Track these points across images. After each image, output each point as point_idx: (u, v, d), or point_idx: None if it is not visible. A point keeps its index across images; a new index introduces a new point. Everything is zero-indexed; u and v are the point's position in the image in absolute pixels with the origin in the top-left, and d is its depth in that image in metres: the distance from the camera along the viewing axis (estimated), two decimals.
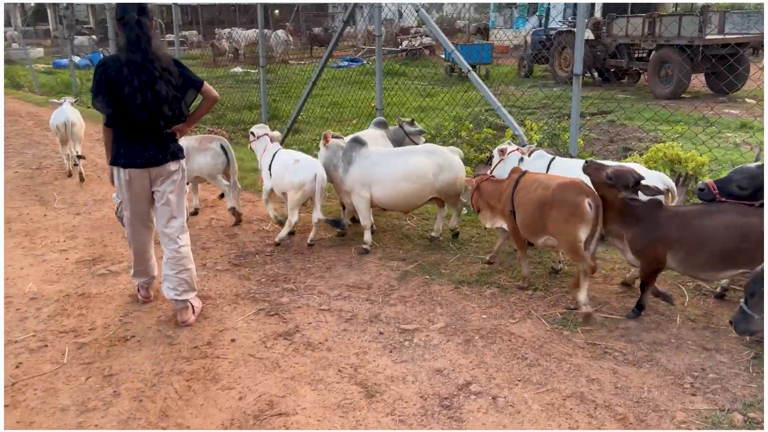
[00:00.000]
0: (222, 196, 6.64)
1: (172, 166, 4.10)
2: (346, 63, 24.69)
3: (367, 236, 5.44)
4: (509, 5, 29.66)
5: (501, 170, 5.17)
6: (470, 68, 7.13)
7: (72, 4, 18.42)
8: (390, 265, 5.12)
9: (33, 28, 43.94)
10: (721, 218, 3.64)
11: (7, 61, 22.97)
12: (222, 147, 6.08)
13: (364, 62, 24.49)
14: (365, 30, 32.91)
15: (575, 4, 20.43)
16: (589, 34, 16.31)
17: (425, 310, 4.32)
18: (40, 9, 49.22)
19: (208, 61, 26.15)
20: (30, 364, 3.70)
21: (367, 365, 3.64)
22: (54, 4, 41.20)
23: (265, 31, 31.96)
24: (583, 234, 3.94)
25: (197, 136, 6.40)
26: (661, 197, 3.92)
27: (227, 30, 32.62)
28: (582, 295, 4.02)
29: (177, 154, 4.14)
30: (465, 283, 4.72)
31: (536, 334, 3.96)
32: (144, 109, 3.82)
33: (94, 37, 35.92)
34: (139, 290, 4.54)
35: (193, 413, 3.22)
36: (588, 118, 11.94)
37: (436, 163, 5.27)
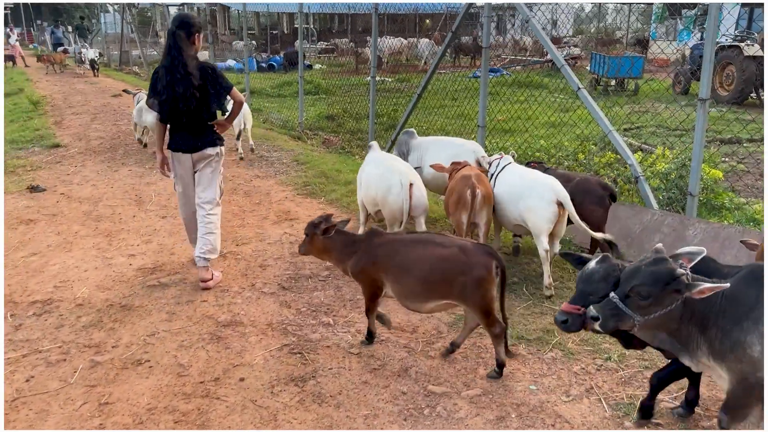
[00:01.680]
0: None
1: (209, 151, 4.89)
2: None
3: None
4: (673, 16, 27.15)
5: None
6: (580, 85, 6.27)
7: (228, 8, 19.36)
8: None
9: (205, 32, 47.81)
10: (423, 248, 3.55)
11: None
12: None
13: (504, 73, 23.58)
14: (512, 39, 31.88)
15: (750, 17, 18.13)
16: (758, 50, 14.29)
17: (465, 368, 3.71)
18: (213, 14, 53.47)
19: (351, 69, 26.59)
20: (41, 379, 3.61)
21: None
22: (224, 11, 44.55)
23: (412, 39, 32.03)
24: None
25: None
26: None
27: (370, 38, 33.00)
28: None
29: (215, 142, 4.92)
30: (524, 340, 4.02)
31: (589, 421, 3.20)
32: (168, 104, 4.65)
33: (253, 42, 38.05)
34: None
35: None
36: (744, 145, 10.34)
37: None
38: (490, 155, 5.88)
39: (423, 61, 26.69)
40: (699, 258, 2.65)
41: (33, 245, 5.82)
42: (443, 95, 14.08)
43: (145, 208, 7.05)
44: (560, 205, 4.66)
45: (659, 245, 2.74)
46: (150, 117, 8.86)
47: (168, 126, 4.89)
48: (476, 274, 3.38)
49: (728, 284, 2.49)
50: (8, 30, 26.39)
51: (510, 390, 3.48)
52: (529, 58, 29.58)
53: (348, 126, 12.71)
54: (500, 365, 3.57)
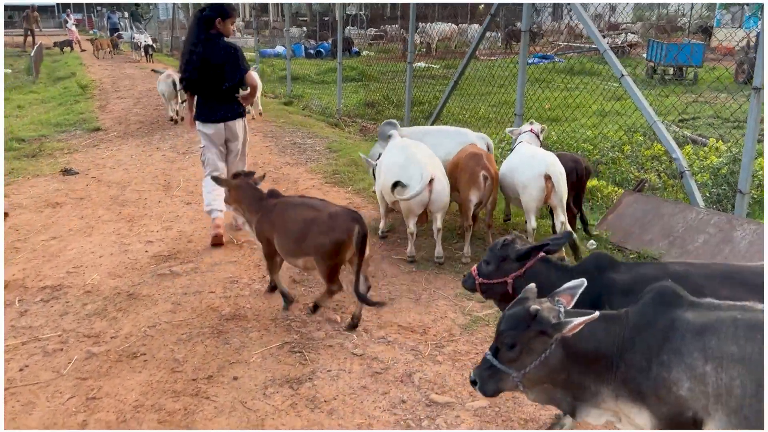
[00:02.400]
0: None
1: (238, 122, 5.45)
2: (535, 60, 23.09)
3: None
4: (739, 2, 25.68)
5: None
6: (624, 72, 5.83)
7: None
8: (463, 307, 4.25)
9: (255, 19, 47.98)
10: (301, 211, 3.91)
11: None
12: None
13: (555, 59, 22.79)
14: (567, 25, 30.82)
15: None
16: None
17: None
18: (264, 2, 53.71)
19: (398, 56, 26.18)
20: (34, 369, 3.53)
21: None
22: None
23: (463, 25, 31.37)
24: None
25: None
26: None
27: (420, 24, 32.61)
28: None
29: (241, 113, 5.47)
30: None
31: None
32: (195, 78, 5.20)
33: (304, 28, 37.95)
34: (212, 225, 5.48)
35: None
36: None
37: None
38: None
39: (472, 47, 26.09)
40: (580, 292, 2.25)
41: (55, 229, 5.81)
42: (489, 82, 13.58)
43: (172, 194, 6.99)
44: (549, 179, 4.72)
45: (531, 285, 2.31)
46: (162, 86, 10.94)
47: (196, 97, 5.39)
48: (336, 237, 3.68)
49: (597, 314, 2.08)
50: (66, 15, 27.07)
51: (520, 404, 3.19)
52: (583, 45, 28.54)
53: (387, 113, 12.44)
54: (315, 307, 4.06)
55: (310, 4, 48.94)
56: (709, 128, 10.72)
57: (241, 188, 4.26)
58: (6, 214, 6.15)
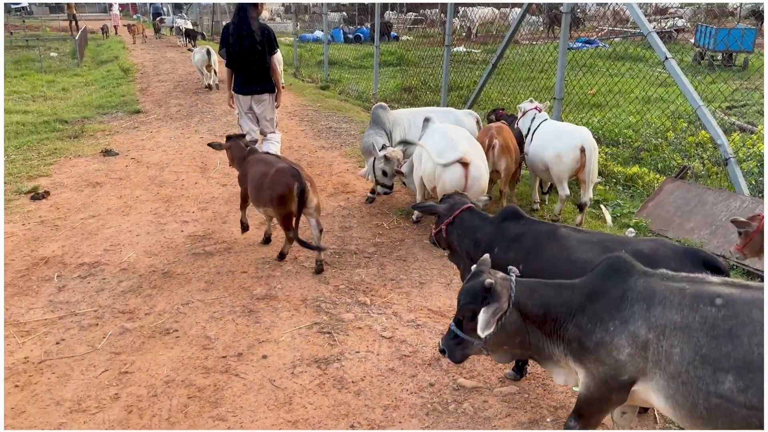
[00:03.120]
0: None
1: (266, 96, 6.10)
2: (579, 45, 22.58)
3: None
4: None
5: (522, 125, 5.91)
6: (669, 55, 5.64)
7: None
8: None
9: (297, 4, 48.07)
10: (261, 166, 4.58)
11: None
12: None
13: (599, 44, 22.22)
14: (612, 9, 30.06)
15: None
16: None
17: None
18: None
19: (438, 41, 25.88)
20: (70, 343, 3.61)
21: (389, 426, 2.87)
22: None
23: (504, 9, 30.82)
24: None
25: None
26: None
27: (461, 8, 32.21)
28: None
29: (270, 88, 6.10)
30: None
31: (632, 427, 2.81)
32: (235, 55, 5.87)
33: (344, 13, 37.80)
34: None
35: None
36: None
37: None
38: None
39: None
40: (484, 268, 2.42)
41: (94, 208, 5.93)
42: (530, 67, 13.36)
43: (208, 176, 7.06)
44: (583, 151, 5.06)
45: (485, 256, 2.49)
46: (197, 57, 12.82)
47: (233, 72, 6.04)
48: (278, 190, 4.29)
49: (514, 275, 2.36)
50: (111, 1, 27.61)
51: (550, 391, 3.13)
52: (628, 30, 27.81)
53: (424, 98, 12.32)
54: (282, 255, 4.74)
55: None
56: (758, 115, 10.33)
57: (232, 148, 5.07)
58: (47, 193, 6.31)
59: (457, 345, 2.41)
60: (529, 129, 5.71)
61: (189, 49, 13.07)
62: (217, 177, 7.01)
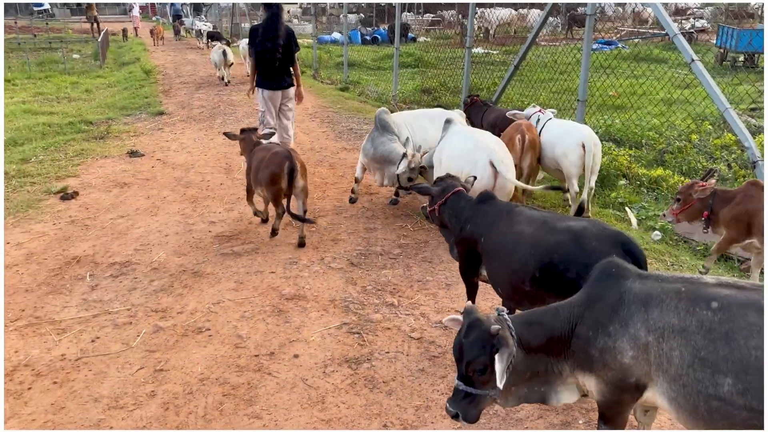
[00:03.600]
0: None
1: (291, 91, 6.70)
2: (597, 46, 22.42)
3: None
4: None
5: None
6: (695, 57, 5.62)
7: None
8: None
9: (314, 6, 48.24)
10: (260, 152, 5.16)
11: None
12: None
13: (619, 45, 22.08)
14: (632, 11, 29.86)
15: None
16: None
17: None
18: None
19: (456, 42, 25.84)
20: (105, 341, 3.69)
21: (421, 426, 2.91)
22: None
23: (522, 10, 30.68)
24: None
25: None
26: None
27: (479, 9, 32.07)
28: None
29: (292, 83, 6.70)
30: None
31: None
32: (267, 51, 6.35)
33: (361, 15, 37.87)
34: None
35: None
36: None
37: None
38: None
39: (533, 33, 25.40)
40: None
41: (123, 208, 6.03)
42: (551, 68, 13.34)
43: (233, 177, 7.14)
44: (584, 148, 5.40)
45: (468, 303, 2.46)
46: (214, 55, 14.53)
47: (258, 69, 6.53)
48: (271, 169, 4.85)
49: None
50: (132, 2, 27.94)
51: None
52: (648, 30, 27.61)
53: (443, 100, 12.33)
54: (274, 231, 5.19)
55: None
56: None
57: (245, 140, 5.49)
58: (76, 193, 6.42)
59: (470, 404, 2.30)
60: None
61: (208, 46, 13.40)
62: (241, 178, 7.07)
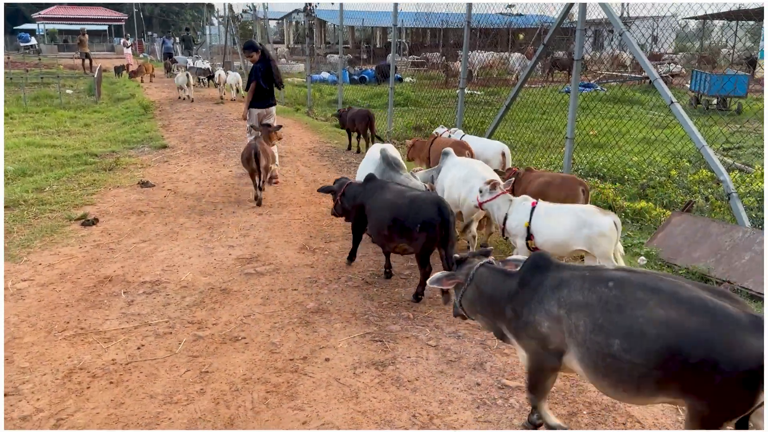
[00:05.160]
0: None
1: (273, 110, 8.93)
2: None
3: None
4: None
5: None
6: (674, 99, 6.22)
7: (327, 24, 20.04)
8: None
9: (301, 45, 49.33)
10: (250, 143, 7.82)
11: None
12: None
13: (598, 88, 23.07)
14: (611, 55, 31.09)
15: None
16: None
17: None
18: (311, 29, 55.30)
19: (440, 83, 26.74)
20: (150, 348, 4.04)
21: (446, 417, 3.30)
22: (311, 27, 45.99)
23: (504, 54, 31.78)
24: None
25: None
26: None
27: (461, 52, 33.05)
28: None
29: (273, 104, 8.95)
30: None
31: (661, 423, 3.25)
32: (266, 82, 8.63)
33: (349, 56, 38.88)
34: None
35: (255, 427, 3.22)
36: None
37: None
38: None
39: (514, 75, 26.40)
40: (521, 262, 3.08)
41: (143, 233, 6.40)
42: (532, 109, 14.04)
43: (243, 206, 7.54)
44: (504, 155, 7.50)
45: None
46: (179, 79, 19.01)
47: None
48: (245, 155, 7.49)
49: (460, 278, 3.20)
50: (124, 39, 28.52)
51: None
52: (625, 74, 28.80)
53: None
54: (257, 199, 7.61)
55: (352, 32, 50.22)
56: (753, 157, 10.95)
57: (261, 131, 8.06)
58: (96, 220, 6.78)
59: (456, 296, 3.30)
60: None
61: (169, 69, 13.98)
62: (252, 207, 7.50)
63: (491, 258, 3.26)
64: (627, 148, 10.74)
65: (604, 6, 6.85)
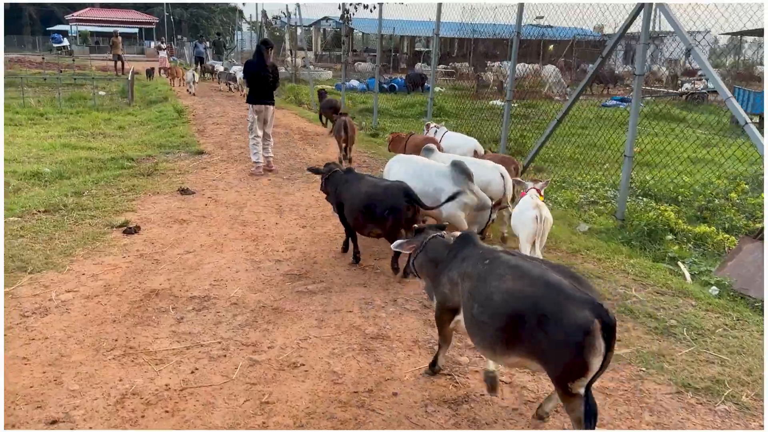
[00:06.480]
0: None
1: (271, 107, 9.74)
2: (614, 102, 22.94)
3: None
4: None
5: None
6: (748, 120, 5.87)
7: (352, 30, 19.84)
8: None
9: (328, 53, 49.33)
10: None
11: (298, 81, 25.92)
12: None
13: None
14: (648, 69, 30.55)
15: None
16: None
17: (628, 412, 3.50)
18: (337, 36, 55.30)
19: (471, 93, 26.40)
20: (204, 372, 3.79)
21: None
22: (348, 33, 45.86)
23: (535, 66, 31.39)
24: None
25: None
26: None
27: (497, 63, 32.81)
28: None
29: (274, 102, 9.80)
30: (691, 389, 3.75)
31: (663, 423, 2.91)
32: (260, 79, 9.41)
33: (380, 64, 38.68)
34: (255, 167, 9.70)
35: None
36: None
37: None
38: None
39: (546, 87, 25.98)
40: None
41: (187, 244, 6.18)
42: (571, 123, 13.63)
43: (286, 217, 7.31)
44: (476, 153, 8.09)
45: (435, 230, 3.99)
46: (188, 75, 22.12)
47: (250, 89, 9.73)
48: (340, 125, 9.93)
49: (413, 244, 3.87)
50: (159, 43, 28.65)
51: None
52: (664, 90, 28.26)
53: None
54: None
55: (380, 40, 50.08)
56: None
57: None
58: (138, 228, 6.59)
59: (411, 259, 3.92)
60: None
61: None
62: (294, 219, 7.26)
63: (443, 232, 3.86)
64: (675, 167, 10.34)
65: (672, 20, 6.53)
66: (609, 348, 2.70)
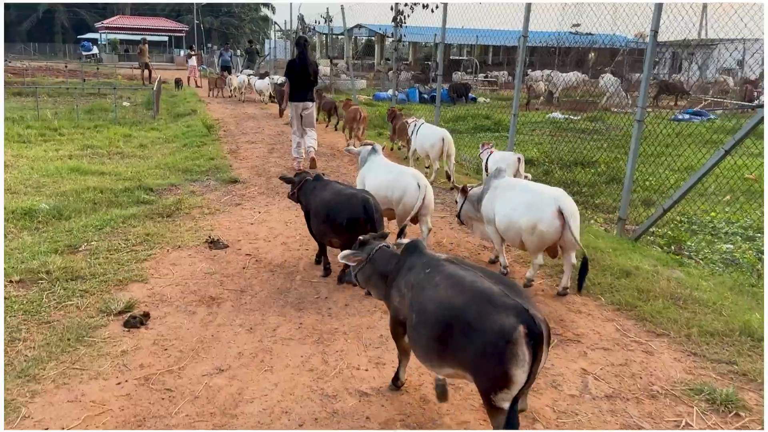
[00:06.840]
0: None
1: (309, 104, 10.11)
2: (687, 116, 20.04)
3: None
4: None
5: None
6: None
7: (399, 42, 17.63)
8: None
9: (361, 61, 47.18)
10: None
11: (337, 91, 23.82)
12: None
13: (712, 117, 19.97)
14: (714, 80, 27.92)
15: None
16: None
17: None
18: (370, 44, 53.34)
19: (521, 104, 23.77)
20: None
21: None
22: (381, 42, 43.70)
23: (584, 75, 28.64)
24: None
25: None
26: None
27: (546, 71, 30.35)
28: None
29: (313, 99, 10.33)
30: None
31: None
32: (301, 77, 9.81)
33: (412, 72, 36.78)
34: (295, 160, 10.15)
35: None
36: None
37: None
38: None
39: (605, 99, 23.17)
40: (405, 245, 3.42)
41: (218, 350, 4.01)
42: (647, 142, 11.07)
43: (358, 295, 5.03)
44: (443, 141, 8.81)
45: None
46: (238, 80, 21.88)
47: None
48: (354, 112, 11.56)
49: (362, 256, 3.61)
50: (189, 51, 26.88)
51: None
52: (732, 101, 25.53)
53: (556, 175, 10.24)
54: None
55: (414, 48, 47.71)
56: None
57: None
58: (146, 316, 4.44)
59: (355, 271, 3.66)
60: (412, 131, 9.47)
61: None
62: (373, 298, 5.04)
63: (387, 242, 3.63)
64: None
65: None
66: (536, 359, 2.52)
